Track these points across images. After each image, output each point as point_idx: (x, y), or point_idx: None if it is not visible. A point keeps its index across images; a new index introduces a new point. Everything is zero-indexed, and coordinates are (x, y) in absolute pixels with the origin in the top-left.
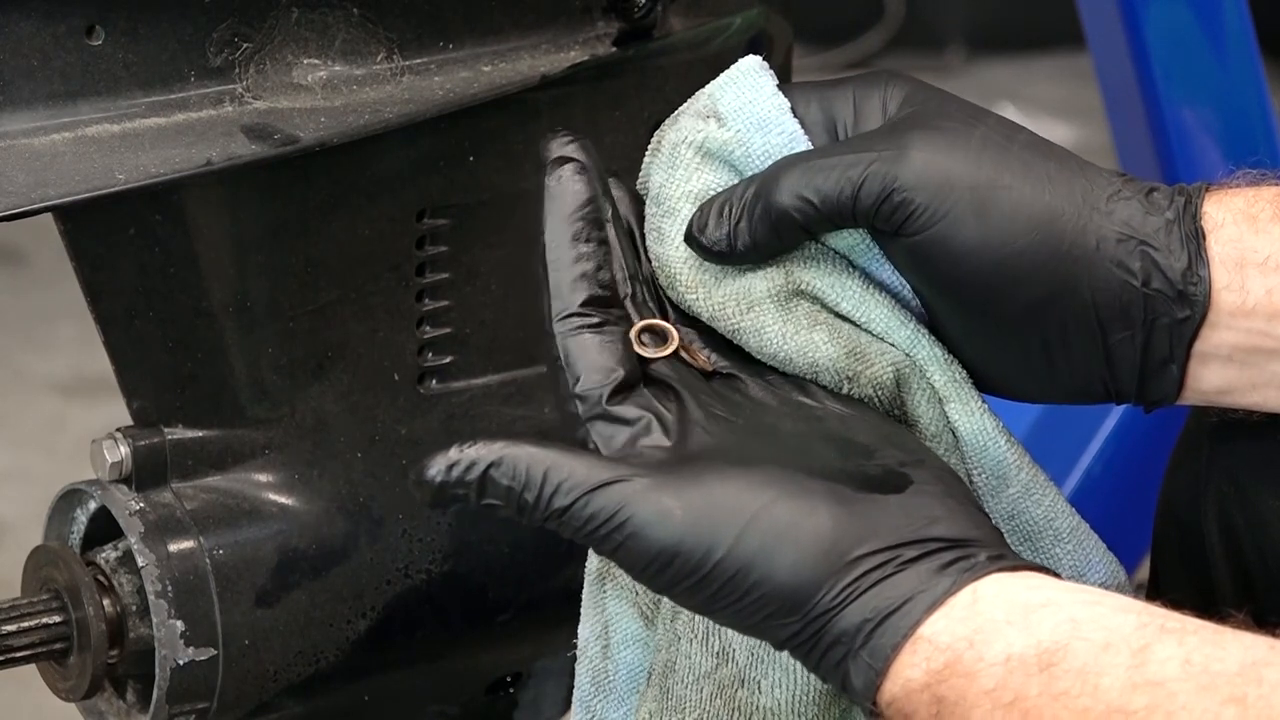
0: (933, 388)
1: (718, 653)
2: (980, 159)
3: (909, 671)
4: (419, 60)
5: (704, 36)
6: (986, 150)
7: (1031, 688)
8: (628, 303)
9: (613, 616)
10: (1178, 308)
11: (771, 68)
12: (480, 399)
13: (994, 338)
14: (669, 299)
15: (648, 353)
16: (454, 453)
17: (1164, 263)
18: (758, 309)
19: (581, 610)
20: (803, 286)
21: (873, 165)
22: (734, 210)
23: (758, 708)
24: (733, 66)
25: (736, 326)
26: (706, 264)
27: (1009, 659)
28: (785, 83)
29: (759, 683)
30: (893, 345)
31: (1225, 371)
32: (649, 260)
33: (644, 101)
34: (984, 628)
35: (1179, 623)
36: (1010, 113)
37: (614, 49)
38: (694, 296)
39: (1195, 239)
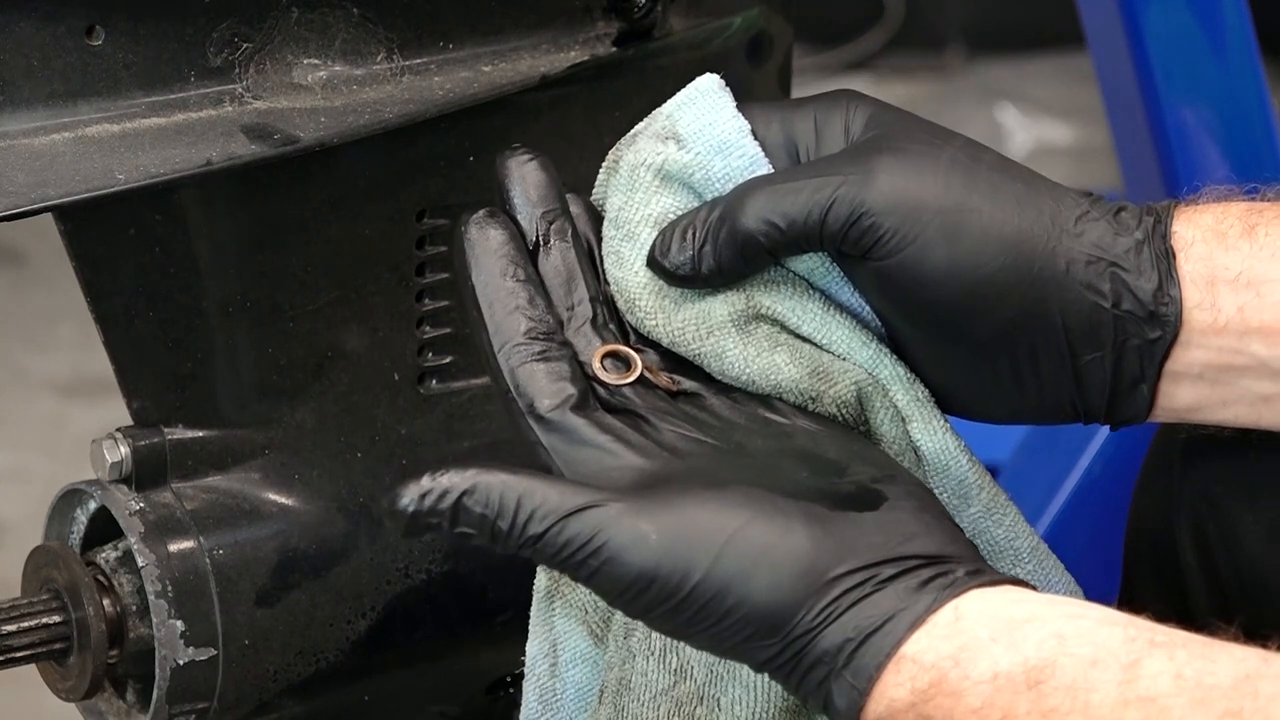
0: (895, 406)
1: (675, 670)
2: (948, 182)
3: (894, 691)
4: (419, 60)
5: (704, 36)
6: (954, 173)
7: (1020, 705)
8: (588, 326)
9: (561, 634)
10: (1149, 328)
11: (771, 68)
12: (480, 399)
13: (962, 360)
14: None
15: (611, 379)
16: (426, 481)
17: (1134, 284)
18: (718, 333)
19: (530, 628)
20: (763, 310)
21: (840, 189)
22: (698, 234)
23: None
24: (690, 85)
25: (697, 351)
26: (666, 288)
27: (996, 676)
28: (744, 102)
29: (718, 700)
30: (855, 365)
31: (1196, 389)
32: (608, 283)
33: (644, 101)
34: (969, 645)
35: (1167, 636)
36: (1010, 113)
37: (614, 49)
38: (653, 322)
39: (1165, 258)
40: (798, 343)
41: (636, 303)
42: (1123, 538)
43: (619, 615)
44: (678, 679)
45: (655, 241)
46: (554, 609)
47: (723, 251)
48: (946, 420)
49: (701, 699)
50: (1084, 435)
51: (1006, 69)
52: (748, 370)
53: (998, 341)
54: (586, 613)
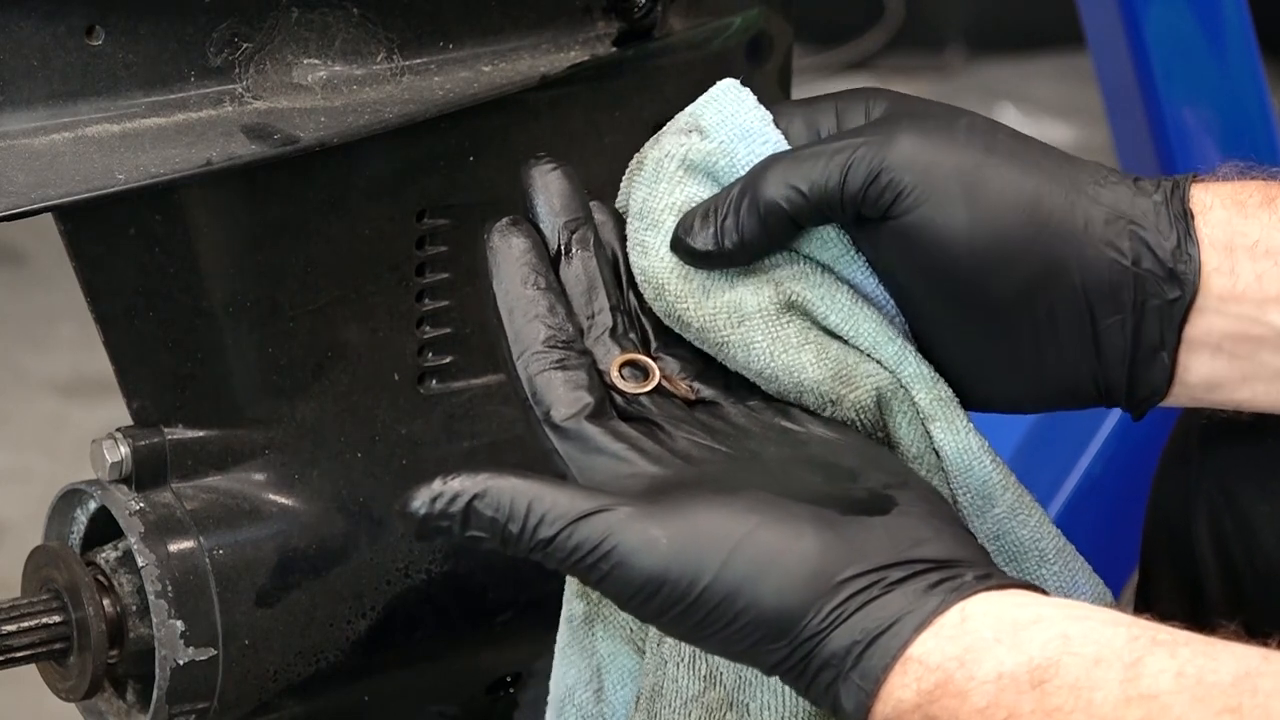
0: (916, 410)
1: (705, 676)
2: (968, 142)
3: (900, 692)
4: (419, 60)
5: (704, 36)
6: (973, 135)
7: (1024, 705)
8: (607, 335)
9: (606, 657)
10: (1168, 288)
11: (771, 68)
12: (480, 399)
13: (981, 328)
14: (649, 323)
15: (629, 388)
16: (437, 485)
17: (1153, 241)
18: (747, 324)
19: (559, 655)
20: (793, 297)
21: (859, 150)
22: (721, 210)
23: None
24: (712, 88)
25: (725, 339)
26: (694, 275)
27: (1000, 677)
28: (766, 103)
29: (747, 705)
30: (879, 362)
31: (1215, 363)
32: (631, 287)
33: (644, 101)
34: (974, 646)
35: (1170, 635)
36: (1010, 113)
37: (614, 49)
38: (683, 306)
39: (1184, 219)
40: (825, 342)
41: (665, 288)
42: (1123, 537)
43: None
44: (707, 685)
45: (678, 223)
46: (594, 633)
47: (745, 223)
48: (970, 420)
49: (731, 705)
50: (1084, 435)
51: (1006, 69)
52: (772, 365)
53: (1017, 303)
54: (631, 630)
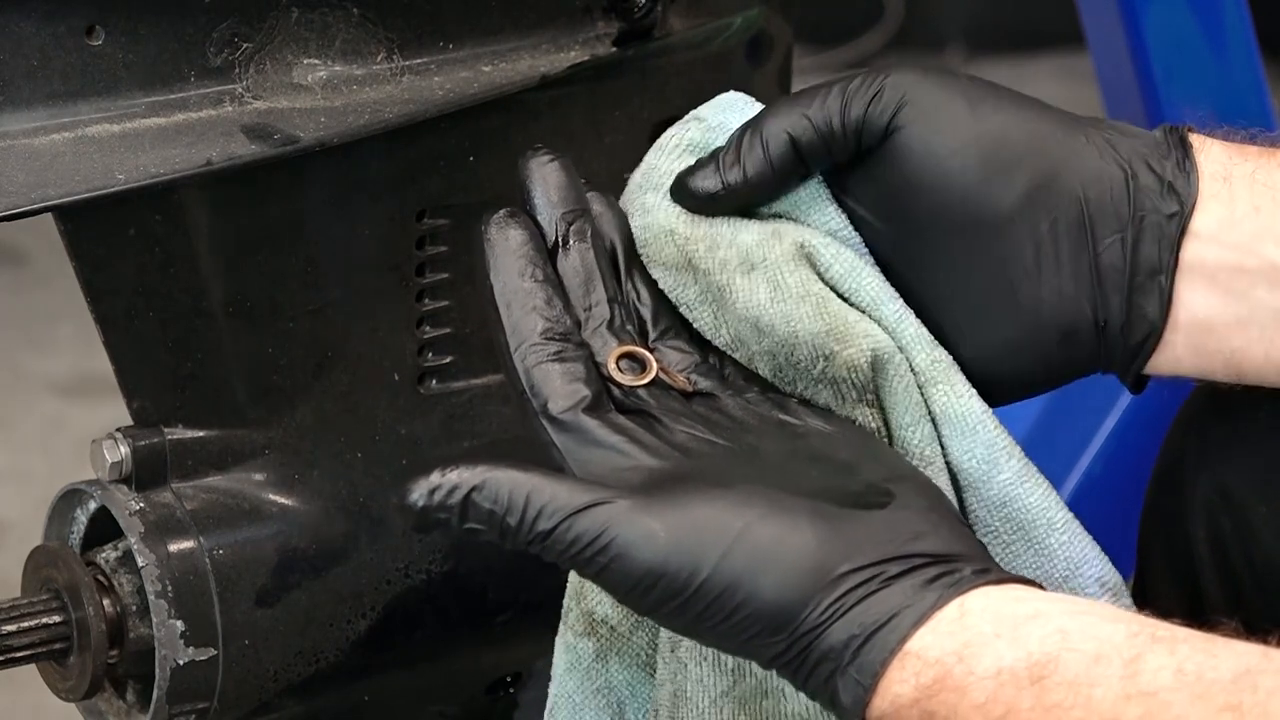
0: (912, 375)
1: (732, 670)
2: (968, 80)
3: (898, 687)
4: (419, 60)
5: (704, 36)
6: (972, 79)
7: (1023, 700)
8: (605, 327)
9: (625, 689)
10: (1166, 202)
11: (771, 68)
12: (480, 399)
13: (981, 249)
14: (647, 315)
15: (627, 380)
16: (435, 477)
17: (1151, 159)
18: (755, 272)
19: (566, 703)
20: (800, 246)
21: (860, 78)
22: (725, 152)
23: (785, 714)
24: (714, 99)
25: (729, 283)
26: (699, 223)
27: (999, 672)
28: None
29: (783, 690)
30: (877, 321)
31: (1210, 298)
32: (629, 279)
33: (644, 101)
34: (973, 641)
35: (1169, 631)
36: None
37: (614, 49)
38: (694, 248)
39: (1182, 147)
40: (826, 297)
41: (675, 232)
42: (1123, 537)
43: (664, 631)
44: (736, 678)
45: (680, 172)
46: (609, 668)
47: (748, 158)
48: (970, 385)
49: (766, 693)
50: (1084, 435)
51: (1006, 69)
52: (770, 311)
53: (1018, 215)
54: (647, 655)
